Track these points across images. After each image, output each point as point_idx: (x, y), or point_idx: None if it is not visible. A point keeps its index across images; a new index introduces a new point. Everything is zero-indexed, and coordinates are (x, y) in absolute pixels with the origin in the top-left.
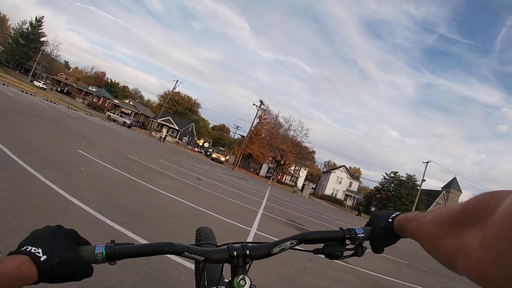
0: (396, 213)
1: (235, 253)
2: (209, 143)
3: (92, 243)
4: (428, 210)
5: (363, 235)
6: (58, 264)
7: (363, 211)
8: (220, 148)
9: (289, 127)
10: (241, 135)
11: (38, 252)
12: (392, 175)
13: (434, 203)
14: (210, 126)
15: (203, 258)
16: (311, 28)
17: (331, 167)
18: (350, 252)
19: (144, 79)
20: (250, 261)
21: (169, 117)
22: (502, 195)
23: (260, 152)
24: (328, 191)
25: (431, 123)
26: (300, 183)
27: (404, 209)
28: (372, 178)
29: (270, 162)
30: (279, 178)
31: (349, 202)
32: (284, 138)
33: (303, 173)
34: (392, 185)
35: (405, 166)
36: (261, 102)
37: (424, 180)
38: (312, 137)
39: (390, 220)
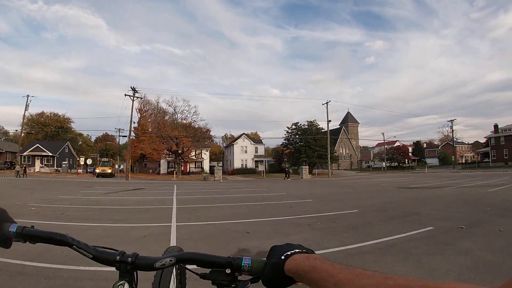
0: (295, 250)
1: (118, 258)
2: (96, 158)
3: None
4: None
5: (249, 265)
6: None
7: (277, 171)
8: (103, 159)
9: (174, 109)
10: (124, 136)
11: None
12: (294, 127)
13: (339, 138)
14: (93, 139)
15: (91, 256)
16: (170, 10)
17: (231, 140)
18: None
19: (4, 113)
20: (135, 271)
21: (37, 144)
22: None
23: (152, 148)
24: (237, 164)
25: (306, 73)
26: (206, 166)
27: (318, 155)
28: (273, 136)
29: (167, 156)
30: (182, 169)
31: (261, 168)
32: (173, 124)
33: (206, 155)
34: (297, 136)
35: (294, 117)
36: (134, 89)
37: (330, 121)
38: (202, 116)
39: (282, 257)
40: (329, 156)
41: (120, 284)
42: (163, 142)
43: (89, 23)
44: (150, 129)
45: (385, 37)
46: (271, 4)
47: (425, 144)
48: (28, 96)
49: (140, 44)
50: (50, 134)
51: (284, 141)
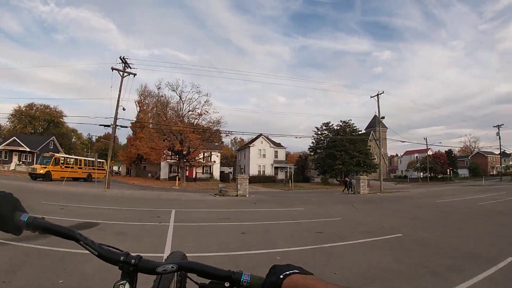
0: (294, 270)
1: (122, 259)
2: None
3: None
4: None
5: (248, 281)
6: None
7: (300, 180)
8: (44, 154)
9: (180, 96)
10: (107, 126)
11: None
12: (324, 127)
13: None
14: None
15: (96, 253)
16: (179, 16)
17: (241, 144)
18: None
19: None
20: (136, 273)
21: (14, 138)
22: None
23: (149, 147)
24: (253, 170)
25: (313, 81)
26: (216, 171)
27: (356, 162)
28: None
29: (168, 157)
30: (187, 174)
31: (281, 176)
32: (177, 115)
33: (217, 159)
34: (327, 139)
35: (301, 125)
36: (124, 61)
37: (383, 117)
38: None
39: (281, 276)
40: (381, 162)
41: (121, 284)
42: (164, 139)
43: (100, 26)
44: (151, 126)
45: (393, 47)
46: (280, 12)
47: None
48: None
49: (149, 48)
50: (38, 129)
51: (312, 145)
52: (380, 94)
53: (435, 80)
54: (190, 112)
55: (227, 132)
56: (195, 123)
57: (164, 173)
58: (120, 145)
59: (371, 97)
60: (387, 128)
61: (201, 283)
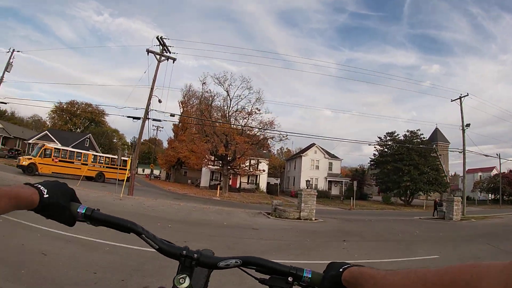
0: (349, 265)
1: (184, 253)
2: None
3: None
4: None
5: (309, 277)
6: (52, 204)
7: (357, 197)
8: (39, 145)
9: (227, 91)
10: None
11: (44, 191)
12: (388, 138)
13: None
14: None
15: (157, 247)
16: (228, 29)
17: (290, 154)
18: None
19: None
20: (196, 267)
21: (46, 132)
22: (485, 268)
23: (189, 150)
24: (304, 183)
25: (359, 94)
26: (263, 182)
27: (427, 180)
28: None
29: (210, 162)
30: (230, 183)
31: (335, 191)
32: (222, 115)
33: (265, 167)
34: (392, 150)
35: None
36: (162, 42)
37: (469, 125)
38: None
39: (341, 270)
40: (464, 181)
41: (182, 278)
42: (206, 141)
43: (151, 36)
44: (194, 129)
45: (442, 61)
46: (327, 26)
47: None
48: (13, 51)
49: (197, 59)
50: (79, 126)
51: (374, 157)
52: (464, 97)
53: (485, 95)
54: (238, 112)
55: (282, 134)
56: (243, 124)
57: (204, 180)
58: (160, 148)
59: (452, 100)
60: (449, 142)
61: (261, 278)
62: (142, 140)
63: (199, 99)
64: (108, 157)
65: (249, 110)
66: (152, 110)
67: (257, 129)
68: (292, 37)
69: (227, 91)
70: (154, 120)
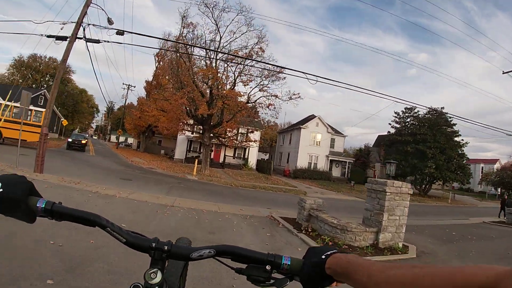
0: (334, 250)
1: (153, 245)
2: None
3: None
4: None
5: (289, 265)
6: (7, 198)
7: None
8: None
9: (217, 25)
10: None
11: None
12: (407, 114)
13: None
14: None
15: (124, 240)
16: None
17: (292, 125)
18: (272, 281)
19: None
20: (167, 259)
21: None
22: (502, 272)
23: (158, 108)
24: (302, 161)
25: (346, 75)
26: (252, 157)
27: (455, 167)
28: None
29: (186, 127)
30: (212, 156)
31: (336, 172)
32: (207, 57)
33: (256, 137)
34: (408, 131)
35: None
36: None
37: None
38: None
39: (323, 256)
40: None
41: (153, 272)
42: (182, 96)
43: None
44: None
45: (430, 50)
46: (318, 4)
47: None
48: None
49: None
50: (41, 84)
51: (394, 129)
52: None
53: (468, 89)
54: (233, 52)
55: (292, 93)
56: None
57: (180, 151)
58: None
59: (503, 72)
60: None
61: (237, 268)
62: (118, 106)
63: (175, 38)
64: (8, 105)
65: (248, 52)
66: (89, 24)
67: (259, 77)
68: (281, 12)
69: (215, 23)
70: (88, 41)
